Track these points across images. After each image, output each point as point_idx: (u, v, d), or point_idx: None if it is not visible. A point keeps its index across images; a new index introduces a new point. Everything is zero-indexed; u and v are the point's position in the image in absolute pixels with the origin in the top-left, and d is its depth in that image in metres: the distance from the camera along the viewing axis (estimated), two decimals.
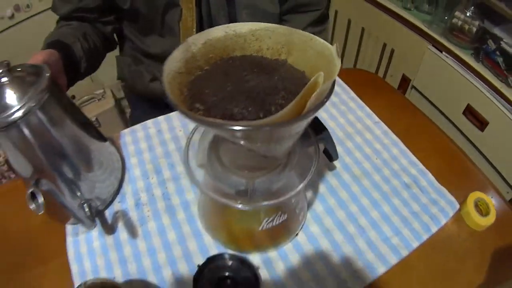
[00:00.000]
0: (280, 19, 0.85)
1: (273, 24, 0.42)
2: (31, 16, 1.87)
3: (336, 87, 0.62)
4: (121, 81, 1.03)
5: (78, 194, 0.54)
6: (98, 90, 1.96)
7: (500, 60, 1.21)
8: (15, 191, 0.62)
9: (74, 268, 0.53)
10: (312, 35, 0.40)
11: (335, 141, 0.53)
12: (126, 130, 0.73)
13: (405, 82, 1.52)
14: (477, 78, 1.24)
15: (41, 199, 0.42)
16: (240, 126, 0.29)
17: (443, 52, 1.31)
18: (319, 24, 0.88)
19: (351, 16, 1.73)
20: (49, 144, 0.49)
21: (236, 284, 0.47)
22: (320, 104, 0.32)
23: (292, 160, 0.45)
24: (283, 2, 0.81)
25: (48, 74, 0.47)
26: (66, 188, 0.53)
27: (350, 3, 1.68)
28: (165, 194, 0.62)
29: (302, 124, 0.34)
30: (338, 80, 0.83)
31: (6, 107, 0.44)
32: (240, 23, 0.42)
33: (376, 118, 0.75)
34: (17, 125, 0.45)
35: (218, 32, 0.41)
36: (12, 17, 1.83)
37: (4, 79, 0.44)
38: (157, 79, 0.89)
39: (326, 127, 0.50)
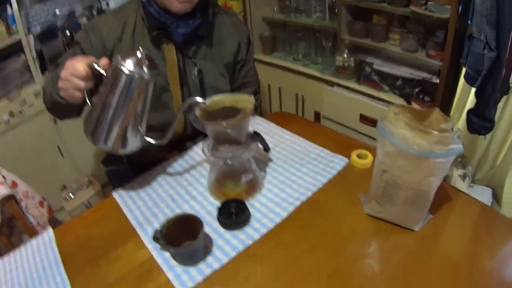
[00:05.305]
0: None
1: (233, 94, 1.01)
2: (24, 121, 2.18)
3: (267, 124, 1.29)
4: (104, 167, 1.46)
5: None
6: (85, 178, 2.42)
7: (376, 77, 1.82)
8: None
9: None
10: (246, 94, 0.98)
11: (269, 144, 1.08)
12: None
13: (317, 115, 2.12)
14: (361, 95, 1.84)
15: None
16: (224, 123, 0.84)
17: (335, 87, 1.93)
18: (253, 95, 1.44)
19: (269, 81, 2.36)
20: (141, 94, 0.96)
21: (238, 212, 0.95)
22: (249, 115, 0.89)
23: (248, 144, 0.99)
24: (232, 83, 1.36)
25: (158, 71, 0.96)
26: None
27: (267, 72, 2.32)
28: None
29: (245, 121, 0.89)
30: (268, 121, 1.38)
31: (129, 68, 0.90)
32: (219, 94, 1.00)
33: (290, 133, 1.29)
34: (130, 77, 0.90)
35: (211, 99, 0.98)
36: (8, 122, 2.14)
37: (141, 55, 0.91)
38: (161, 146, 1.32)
39: (264, 138, 1.04)
